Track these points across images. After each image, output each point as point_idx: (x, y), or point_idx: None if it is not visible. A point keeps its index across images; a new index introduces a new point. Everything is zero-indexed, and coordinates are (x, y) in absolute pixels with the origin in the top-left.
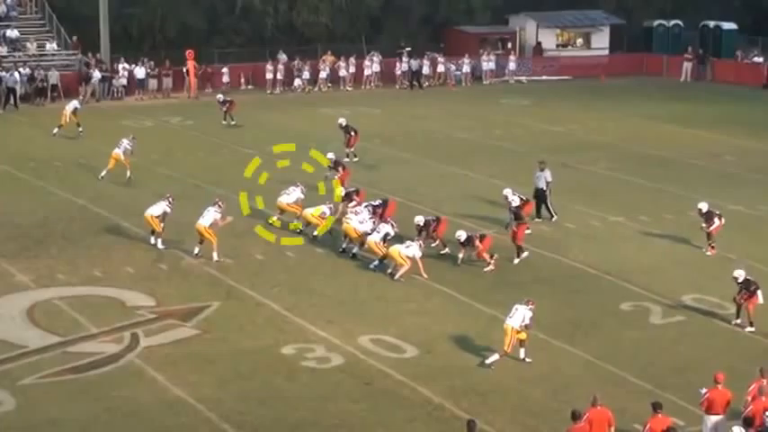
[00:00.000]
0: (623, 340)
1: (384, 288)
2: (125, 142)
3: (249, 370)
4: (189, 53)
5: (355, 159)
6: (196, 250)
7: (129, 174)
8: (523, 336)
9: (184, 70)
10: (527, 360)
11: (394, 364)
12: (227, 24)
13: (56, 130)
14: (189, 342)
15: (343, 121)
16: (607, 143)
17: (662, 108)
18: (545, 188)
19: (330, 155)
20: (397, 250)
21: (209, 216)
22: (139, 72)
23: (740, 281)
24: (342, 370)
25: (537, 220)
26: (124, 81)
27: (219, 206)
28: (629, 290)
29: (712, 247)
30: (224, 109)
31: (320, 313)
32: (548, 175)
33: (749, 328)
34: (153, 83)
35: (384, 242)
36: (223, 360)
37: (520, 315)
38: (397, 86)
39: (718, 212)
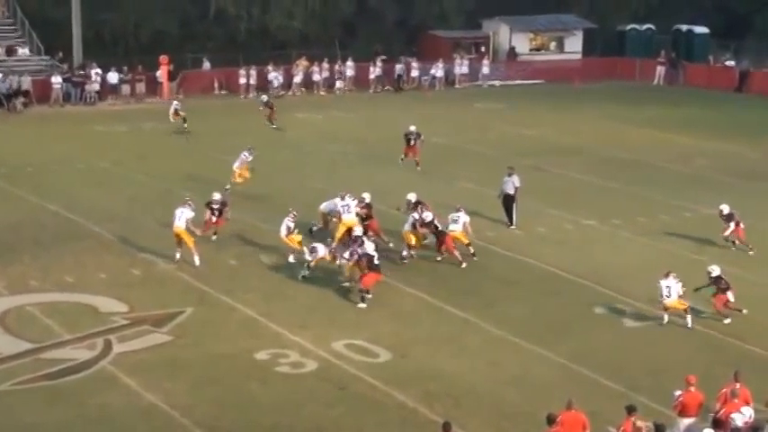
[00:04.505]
0: (597, 343)
1: (356, 293)
2: (244, 153)
3: (223, 375)
4: (162, 58)
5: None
6: (177, 256)
7: (228, 186)
8: (684, 305)
9: (158, 75)
10: (689, 326)
11: (368, 368)
12: (200, 29)
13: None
14: (162, 348)
15: (413, 128)
16: (580, 147)
17: (635, 112)
18: (513, 193)
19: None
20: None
21: (184, 217)
22: (112, 77)
23: (713, 275)
24: (316, 375)
25: (512, 227)
26: (97, 86)
27: (190, 205)
28: (602, 293)
29: (750, 248)
30: (267, 113)
31: (294, 318)
32: (516, 180)
33: (726, 320)
34: (126, 88)
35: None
36: (197, 366)
37: (674, 290)
38: (371, 90)
39: (737, 218)
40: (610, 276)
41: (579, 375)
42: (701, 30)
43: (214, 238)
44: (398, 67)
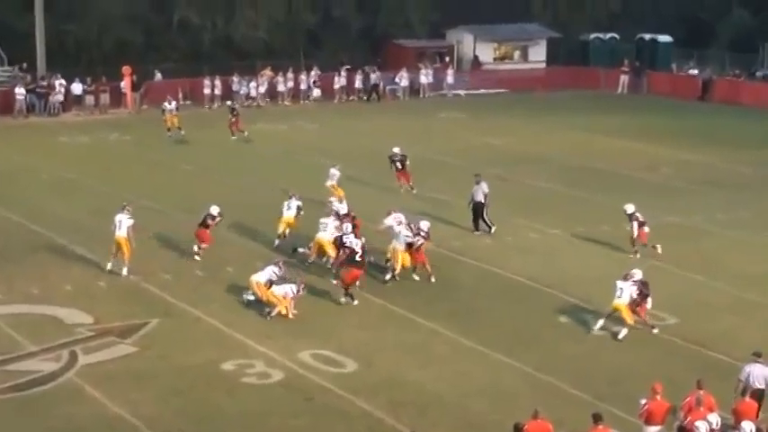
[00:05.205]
0: (563, 352)
1: (323, 302)
2: (333, 170)
3: (189, 386)
4: (126, 69)
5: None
6: (109, 266)
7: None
8: (630, 318)
9: (121, 85)
10: (620, 338)
11: (334, 378)
12: (164, 40)
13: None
14: (128, 359)
15: (397, 149)
16: (545, 156)
17: (599, 120)
18: (483, 201)
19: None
20: (272, 291)
21: (124, 225)
22: (76, 88)
23: (636, 278)
24: (282, 385)
25: (476, 233)
26: (61, 97)
27: (128, 210)
28: (567, 301)
29: (636, 252)
30: (233, 119)
31: (260, 329)
32: (484, 187)
33: (654, 330)
34: (90, 99)
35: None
36: (162, 377)
37: (627, 292)
38: (336, 100)
39: (642, 219)
40: (575, 285)
41: (545, 384)
42: (664, 38)
43: (198, 258)
44: (373, 77)
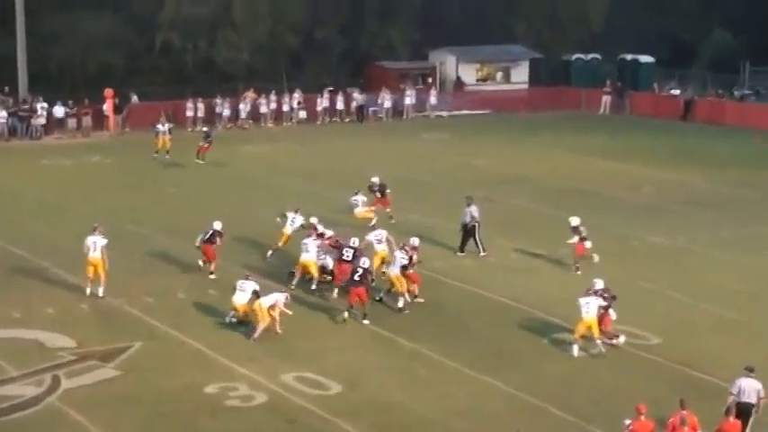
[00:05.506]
0: (546, 372)
1: (306, 324)
2: (355, 199)
3: (172, 410)
4: (108, 92)
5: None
6: (88, 291)
7: (374, 221)
8: (596, 333)
9: (104, 108)
10: (603, 352)
11: (318, 400)
12: (146, 62)
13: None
14: (111, 383)
15: (376, 179)
16: (528, 176)
17: (581, 141)
18: (467, 222)
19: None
20: (259, 304)
21: (99, 245)
22: (58, 111)
23: (596, 287)
24: (266, 408)
25: (460, 254)
26: (43, 120)
27: (100, 231)
28: (550, 322)
29: (577, 268)
30: (200, 146)
31: (243, 351)
32: (473, 210)
33: (620, 339)
34: (72, 122)
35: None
36: (145, 400)
37: (594, 305)
38: (318, 122)
39: (584, 234)
40: (558, 305)
41: (529, 405)
42: (646, 59)
43: (201, 263)
44: (359, 98)
